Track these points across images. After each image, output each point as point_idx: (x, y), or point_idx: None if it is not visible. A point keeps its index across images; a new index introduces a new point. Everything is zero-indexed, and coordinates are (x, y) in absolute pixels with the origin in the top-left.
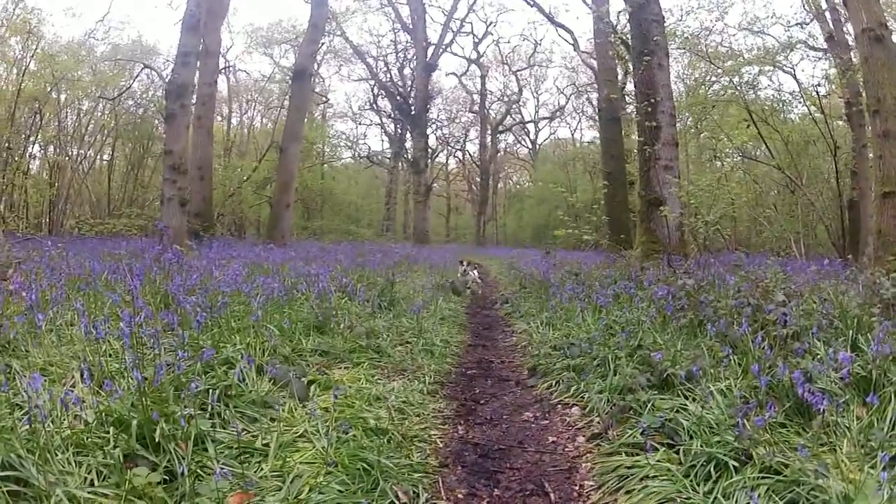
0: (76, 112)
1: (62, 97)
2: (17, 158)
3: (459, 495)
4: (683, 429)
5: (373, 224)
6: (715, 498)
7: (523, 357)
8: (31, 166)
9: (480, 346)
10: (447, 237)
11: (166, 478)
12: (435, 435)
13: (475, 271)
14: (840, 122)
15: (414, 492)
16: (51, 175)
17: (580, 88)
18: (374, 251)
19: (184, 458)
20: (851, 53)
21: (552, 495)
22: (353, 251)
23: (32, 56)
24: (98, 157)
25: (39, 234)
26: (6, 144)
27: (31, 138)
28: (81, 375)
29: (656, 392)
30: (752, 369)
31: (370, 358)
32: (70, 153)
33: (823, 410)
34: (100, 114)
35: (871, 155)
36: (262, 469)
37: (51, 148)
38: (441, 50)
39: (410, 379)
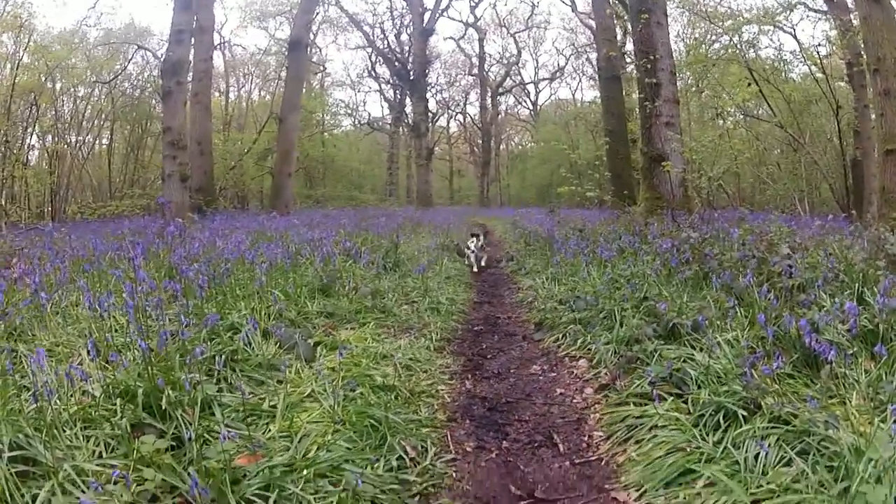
0: (72, 99)
1: (58, 86)
2: (15, 151)
3: (468, 448)
4: (691, 379)
5: (376, 190)
6: (724, 447)
7: (529, 312)
8: (30, 157)
9: (486, 303)
10: (451, 200)
11: (174, 444)
12: (442, 390)
13: (484, 247)
14: (841, 83)
15: (422, 446)
16: (50, 164)
17: (579, 49)
18: (378, 215)
19: (191, 424)
20: (851, 15)
21: (561, 446)
22: (357, 216)
23: (25, 49)
24: (97, 141)
25: (42, 223)
26: (4, 138)
27: (29, 129)
28: (88, 353)
29: (663, 342)
30: (758, 319)
31: (376, 318)
32: (69, 140)
33: (831, 360)
34: (96, 99)
35: (873, 115)
36: (269, 430)
37: (49, 137)
38: (437, 14)
39: (417, 336)
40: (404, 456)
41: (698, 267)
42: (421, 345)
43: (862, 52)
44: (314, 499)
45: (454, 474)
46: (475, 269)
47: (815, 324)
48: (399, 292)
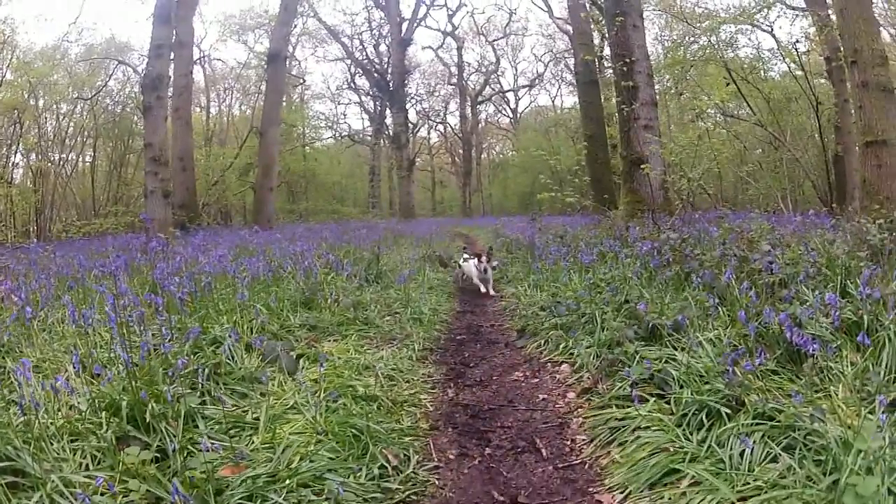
0: (55, 116)
1: (40, 103)
2: None
3: (451, 456)
4: (673, 379)
5: (358, 202)
6: (709, 446)
7: (512, 320)
8: (14, 175)
9: (469, 312)
10: (433, 211)
11: (158, 455)
12: (425, 399)
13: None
14: (822, 80)
15: (405, 455)
16: (34, 182)
17: (558, 55)
18: (360, 228)
19: (174, 436)
20: (829, 11)
21: (544, 451)
22: (339, 229)
23: (8, 66)
24: (80, 159)
25: (27, 242)
26: None
27: (13, 147)
28: (73, 367)
29: (644, 344)
30: (738, 316)
31: (358, 329)
32: (52, 158)
33: (814, 353)
34: (78, 115)
35: (853, 110)
36: (252, 442)
37: (33, 155)
38: (415, 24)
39: (399, 347)
40: (386, 465)
41: (679, 268)
42: (403, 355)
43: (840, 47)
44: None
45: (437, 482)
46: (483, 291)
47: (797, 318)
48: (381, 303)
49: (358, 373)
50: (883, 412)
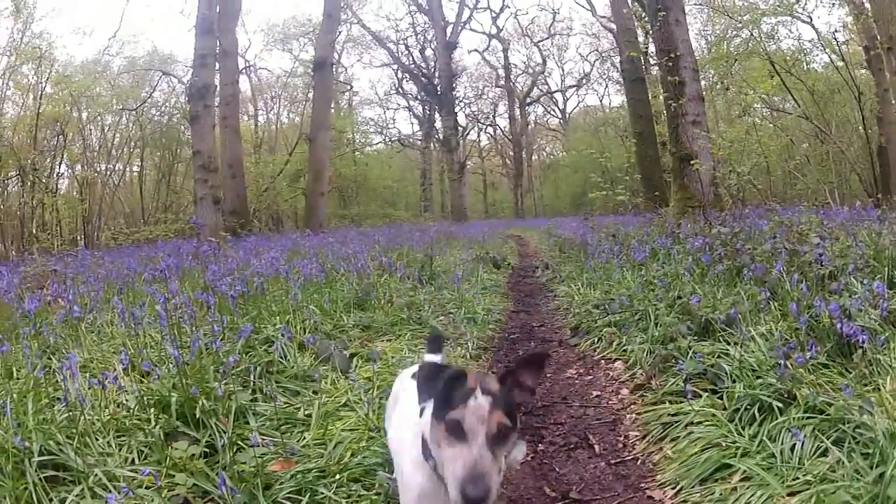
0: (100, 128)
1: (83, 115)
2: (43, 180)
3: None
4: (726, 373)
5: (410, 206)
6: (760, 440)
7: (565, 318)
8: (59, 185)
9: (523, 311)
10: (486, 213)
11: (207, 451)
12: None
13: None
14: (863, 71)
15: None
16: (81, 192)
17: (603, 54)
18: (412, 231)
19: (224, 432)
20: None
21: (597, 447)
22: (391, 232)
23: (48, 80)
24: (127, 168)
25: (75, 250)
26: (32, 166)
27: (58, 159)
28: (122, 365)
29: (697, 339)
30: (790, 309)
31: (412, 329)
32: (98, 168)
33: (864, 342)
34: (124, 127)
35: (893, 99)
36: (304, 438)
37: (78, 166)
38: (460, 27)
39: (453, 346)
40: None
41: (730, 263)
42: (458, 353)
43: (876, 34)
44: (346, 502)
45: None
46: None
47: (847, 309)
48: (435, 304)
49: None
50: None
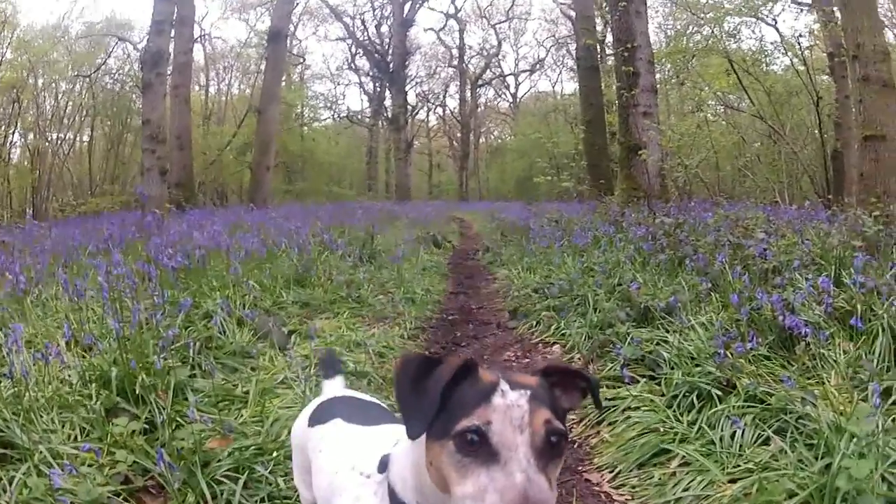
0: (53, 95)
1: (39, 82)
2: None
3: None
4: (664, 360)
5: (355, 184)
6: (699, 427)
7: (504, 301)
8: (11, 155)
9: (462, 293)
10: (430, 194)
11: (147, 427)
12: None
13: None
14: (825, 77)
15: None
16: (32, 161)
17: (560, 40)
18: (356, 209)
19: (163, 409)
20: (834, 8)
21: None
22: (335, 210)
23: (8, 45)
24: (77, 138)
25: (23, 222)
26: None
27: (11, 127)
28: (65, 339)
29: (636, 326)
30: (731, 299)
31: (351, 308)
32: (50, 137)
33: (806, 335)
34: (77, 94)
35: (853, 106)
36: (241, 415)
37: (30, 135)
38: (417, 5)
39: (391, 326)
40: None
41: (673, 253)
42: (395, 333)
43: (843, 43)
44: (283, 480)
45: None
46: None
47: (790, 303)
48: (375, 283)
49: (349, 349)
50: (877, 398)
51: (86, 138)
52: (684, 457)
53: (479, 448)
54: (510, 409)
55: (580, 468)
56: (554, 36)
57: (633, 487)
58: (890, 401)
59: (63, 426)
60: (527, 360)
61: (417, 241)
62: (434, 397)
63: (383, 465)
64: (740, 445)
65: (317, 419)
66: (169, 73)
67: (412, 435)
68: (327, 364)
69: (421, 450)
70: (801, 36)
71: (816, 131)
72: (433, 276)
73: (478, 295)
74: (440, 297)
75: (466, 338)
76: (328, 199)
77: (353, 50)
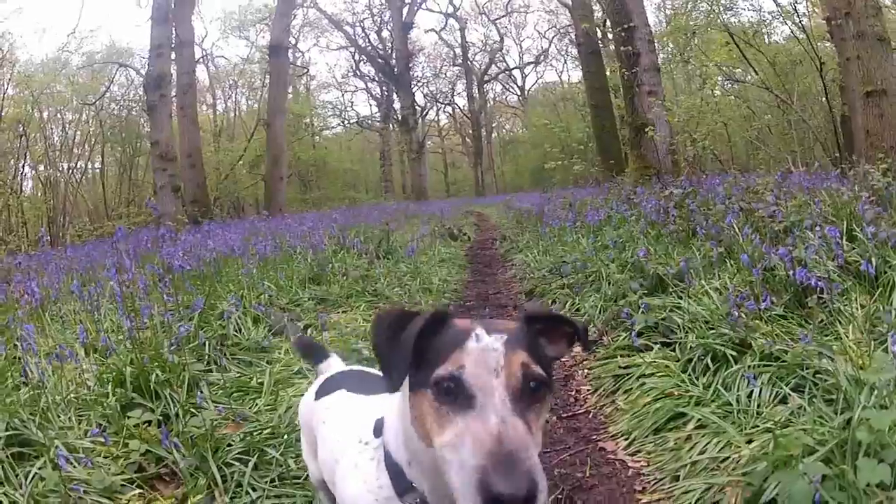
0: (61, 126)
1: (45, 114)
2: (6, 182)
3: None
4: (678, 326)
5: (371, 188)
6: (715, 389)
7: (521, 284)
8: (24, 186)
9: (479, 281)
10: (447, 192)
11: (161, 419)
12: None
13: None
14: (827, 43)
15: None
16: (44, 192)
17: (561, 30)
18: (372, 210)
19: (177, 401)
20: None
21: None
22: (350, 213)
23: (10, 80)
24: (89, 165)
25: (41, 250)
26: None
27: (21, 160)
28: (82, 346)
29: (649, 295)
30: (741, 259)
31: (366, 301)
32: (61, 167)
33: (819, 288)
34: (84, 123)
35: (853, 69)
36: (256, 405)
37: (41, 166)
38: (416, 7)
39: None
40: None
41: (683, 222)
42: None
43: (835, 2)
44: (293, 461)
45: None
46: None
47: (802, 259)
48: (392, 277)
49: (364, 339)
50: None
51: (97, 165)
52: (700, 419)
53: (457, 395)
54: (485, 353)
55: (594, 437)
56: (555, 26)
57: (649, 453)
58: None
59: (79, 423)
60: None
61: (433, 234)
62: (407, 347)
63: (378, 430)
64: (758, 405)
65: (323, 391)
66: (174, 94)
67: (390, 388)
68: (306, 351)
69: (405, 405)
70: (797, 3)
71: (823, 98)
72: (451, 266)
73: (495, 281)
74: (458, 286)
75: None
76: (344, 204)
77: (357, 57)
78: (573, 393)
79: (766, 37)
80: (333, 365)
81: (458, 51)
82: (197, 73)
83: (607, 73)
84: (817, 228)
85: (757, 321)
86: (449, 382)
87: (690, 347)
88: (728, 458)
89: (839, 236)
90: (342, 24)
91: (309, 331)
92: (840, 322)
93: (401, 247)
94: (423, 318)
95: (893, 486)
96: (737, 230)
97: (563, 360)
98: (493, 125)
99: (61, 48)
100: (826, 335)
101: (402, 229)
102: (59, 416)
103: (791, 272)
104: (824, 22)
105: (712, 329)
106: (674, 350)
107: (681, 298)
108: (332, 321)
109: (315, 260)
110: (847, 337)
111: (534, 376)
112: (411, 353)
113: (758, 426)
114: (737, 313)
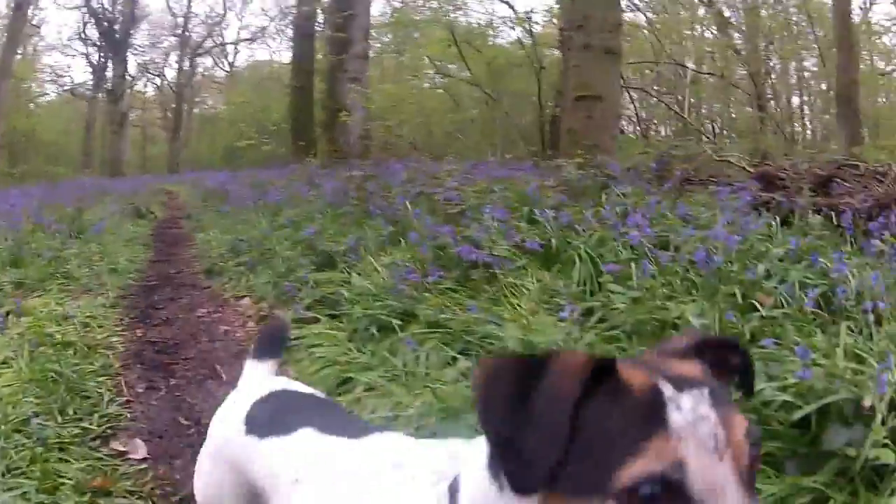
0: None
1: None
2: None
3: (139, 390)
4: (345, 299)
5: (72, 162)
6: (380, 355)
7: (202, 263)
8: None
9: (164, 260)
10: (143, 168)
11: None
12: (116, 341)
13: None
14: (555, 51)
15: (98, 392)
16: None
17: (285, 10)
18: (69, 187)
19: None
20: None
21: (224, 376)
22: (50, 190)
23: None
24: None
25: None
26: None
27: None
28: None
29: (319, 271)
30: (410, 237)
31: (60, 283)
32: None
33: (486, 263)
34: None
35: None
36: None
37: None
38: None
39: (95, 296)
40: (80, 406)
41: (359, 203)
42: (98, 303)
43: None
44: (14, 452)
45: (129, 415)
46: None
47: (474, 239)
48: (83, 257)
49: (58, 323)
50: (565, 313)
51: None
52: (367, 382)
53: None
54: (698, 428)
55: None
56: (280, 6)
57: None
58: (594, 319)
59: None
60: (219, 314)
61: (123, 214)
62: (558, 427)
63: None
64: (427, 368)
65: (266, 426)
66: None
67: (522, 489)
68: (266, 340)
69: None
70: (531, 11)
71: (535, 98)
72: (136, 246)
73: (178, 261)
74: (142, 265)
75: (163, 300)
76: (47, 180)
77: (87, 19)
78: None
79: (491, 39)
80: (261, 375)
81: (181, 21)
82: None
83: (319, 57)
84: (493, 211)
85: (426, 294)
86: (655, 487)
87: (357, 318)
88: (400, 415)
89: (509, 218)
90: None
91: (9, 317)
92: (514, 294)
93: (93, 225)
94: (576, 375)
95: None
96: (410, 210)
97: (237, 336)
98: (197, 100)
99: None
100: (498, 306)
101: (95, 206)
102: None
103: (457, 248)
104: (556, 31)
105: (379, 301)
106: (342, 322)
107: (350, 274)
108: (28, 306)
109: (15, 241)
110: (521, 307)
111: (758, 444)
112: (568, 433)
113: (429, 386)
114: (403, 287)
